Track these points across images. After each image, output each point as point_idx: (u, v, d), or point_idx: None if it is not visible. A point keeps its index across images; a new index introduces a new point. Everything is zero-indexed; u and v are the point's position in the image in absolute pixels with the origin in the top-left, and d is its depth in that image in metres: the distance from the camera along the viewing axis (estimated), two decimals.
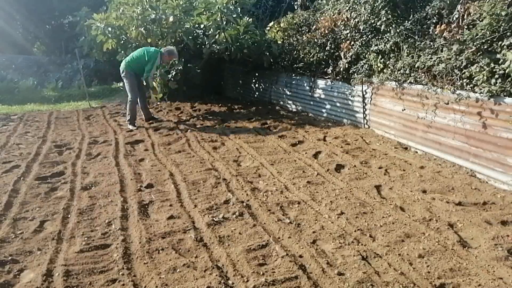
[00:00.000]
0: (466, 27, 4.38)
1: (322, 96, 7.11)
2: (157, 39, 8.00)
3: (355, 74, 6.04)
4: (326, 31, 6.78)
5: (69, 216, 3.55)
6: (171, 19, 7.66)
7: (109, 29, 8.23)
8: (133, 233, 3.21)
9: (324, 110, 7.14)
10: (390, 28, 5.41)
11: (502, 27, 3.88)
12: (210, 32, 7.93)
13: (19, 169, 4.78)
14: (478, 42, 4.05)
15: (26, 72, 14.83)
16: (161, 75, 8.03)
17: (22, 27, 17.41)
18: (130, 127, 6.87)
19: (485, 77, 3.91)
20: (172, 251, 2.91)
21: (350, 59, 6.18)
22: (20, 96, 11.37)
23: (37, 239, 3.17)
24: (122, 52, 8.75)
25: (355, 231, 3.10)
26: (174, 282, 2.55)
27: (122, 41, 8.72)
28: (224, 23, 7.73)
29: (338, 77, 6.62)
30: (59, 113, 8.86)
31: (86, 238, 3.13)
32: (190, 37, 8.05)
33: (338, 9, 6.89)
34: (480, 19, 4.19)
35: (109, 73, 13.51)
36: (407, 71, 5.01)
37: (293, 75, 7.90)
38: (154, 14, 7.72)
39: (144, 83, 6.95)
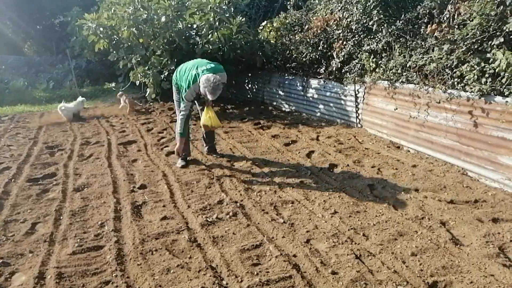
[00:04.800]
0: (456, 27, 4.42)
1: (315, 96, 7.12)
2: (149, 39, 7.96)
3: (348, 73, 6.06)
4: (319, 31, 6.80)
5: (61, 217, 3.52)
6: (163, 19, 7.63)
7: (101, 29, 8.18)
8: (126, 234, 3.19)
9: (317, 110, 7.16)
10: (382, 28, 5.44)
11: (492, 26, 3.92)
12: (202, 32, 7.91)
13: (10, 170, 4.73)
14: (468, 41, 4.09)
15: (16, 72, 14.67)
16: (153, 76, 7.99)
17: (13, 27, 17.22)
18: (178, 162, 4.76)
19: (475, 76, 3.94)
20: (165, 252, 2.90)
21: (342, 58, 6.20)
22: (10, 97, 11.25)
23: (29, 241, 3.14)
24: (114, 52, 8.70)
25: (348, 230, 3.11)
26: (168, 283, 2.54)
27: (114, 41, 8.67)
28: (217, 23, 7.71)
29: (330, 77, 6.64)
30: (50, 114, 8.78)
31: (78, 240, 3.11)
32: (182, 37, 8.02)
33: (330, 9, 6.91)
34: (471, 19, 4.23)
35: (101, 73, 13.41)
36: (399, 71, 5.04)
37: (286, 75, 7.91)
38: (146, 14, 7.68)
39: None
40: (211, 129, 4.78)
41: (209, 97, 4.08)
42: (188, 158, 4.86)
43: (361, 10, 5.80)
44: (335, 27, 6.52)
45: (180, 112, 4.46)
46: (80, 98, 8.19)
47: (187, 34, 8.33)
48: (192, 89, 4.21)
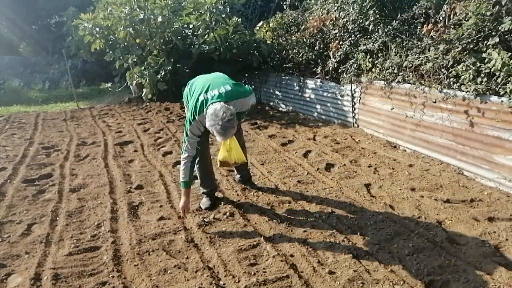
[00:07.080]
0: (452, 26, 4.44)
1: (312, 96, 7.13)
2: (145, 39, 7.96)
3: (344, 73, 6.07)
4: (315, 31, 6.81)
5: (57, 218, 3.51)
6: (159, 19, 7.62)
7: (97, 29, 8.16)
8: (123, 235, 3.19)
9: (314, 110, 7.17)
10: (378, 28, 5.46)
11: (487, 26, 3.94)
12: (199, 32, 7.91)
13: (6, 171, 4.71)
14: (464, 41, 4.11)
15: (12, 72, 14.61)
16: (150, 76, 7.97)
17: (8, 27, 17.16)
18: (203, 201, 3.63)
19: (471, 76, 3.96)
20: (162, 252, 2.90)
21: (339, 58, 6.21)
22: (5, 97, 11.20)
23: (25, 242, 3.12)
24: (110, 52, 8.68)
25: (345, 229, 3.12)
26: (165, 284, 2.54)
27: (110, 42, 8.65)
28: (213, 23, 7.72)
29: (327, 77, 6.65)
30: (46, 114, 8.74)
31: (75, 241, 3.10)
32: (179, 37, 8.02)
33: (326, 9, 6.92)
34: (466, 19, 4.25)
35: (97, 73, 13.37)
36: (395, 70, 5.05)
37: (283, 75, 7.91)
38: (142, 14, 7.68)
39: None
40: (232, 166, 3.67)
41: (218, 138, 2.96)
42: (215, 193, 3.73)
43: (357, 10, 5.81)
44: (331, 27, 6.53)
45: (182, 152, 3.25)
46: None
47: (184, 34, 8.33)
48: (198, 121, 3.07)
